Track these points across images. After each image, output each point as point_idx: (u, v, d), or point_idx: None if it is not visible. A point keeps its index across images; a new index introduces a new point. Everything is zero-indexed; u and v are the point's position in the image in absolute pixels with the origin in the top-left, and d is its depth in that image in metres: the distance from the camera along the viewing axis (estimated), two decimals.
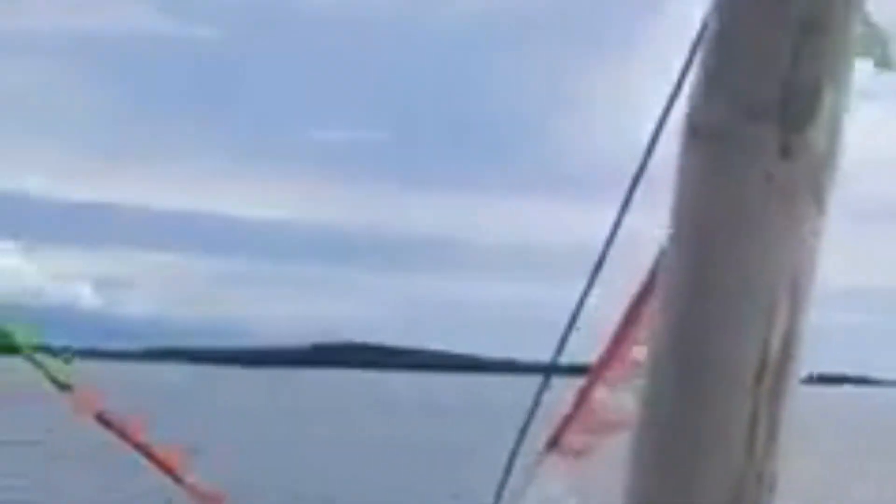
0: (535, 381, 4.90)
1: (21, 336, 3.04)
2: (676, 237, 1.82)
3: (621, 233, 4.11)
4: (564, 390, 4.75)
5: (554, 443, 4.81)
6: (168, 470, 3.25)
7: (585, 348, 4.68)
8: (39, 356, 3.24)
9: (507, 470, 4.68)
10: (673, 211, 1.84)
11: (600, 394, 4.67)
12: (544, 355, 4.69)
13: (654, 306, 1.89)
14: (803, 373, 1.81)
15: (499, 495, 4.76)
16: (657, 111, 3.79)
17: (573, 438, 4.79)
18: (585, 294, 4.24)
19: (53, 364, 3.29)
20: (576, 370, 4.93)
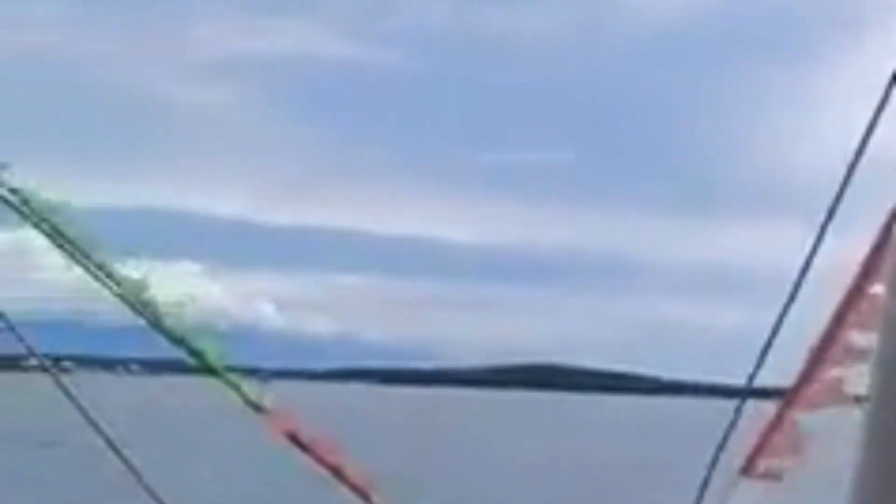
0: (724, 404, 4.80)
1: (213, 356, 3.07)
2: None
3: (819, 254, 4.02)
4: (760, 413, 4.66)
5: (749, 466, 4.71)
6: (360, 492, 3.25)
7: (782, 371, 4.58)
8: (233, 376, 3.28)
9: (701, 493, 4.59)
10: None
11: (797, 417, 4.56)
12: (735, 378, 4.59)
13: (859, 328, 1.83)
14: None
15: None
16: (857, 133, 3.71)
17: (768, 462, 4.69)
18: (782, 316, 4.14)
19: (247, 384, 3.32)
20: (772, 393, 4.83)
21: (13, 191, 3.01)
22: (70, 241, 3.03)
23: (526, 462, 51.99)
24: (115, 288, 3.06)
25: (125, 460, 3.05)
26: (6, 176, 3.06)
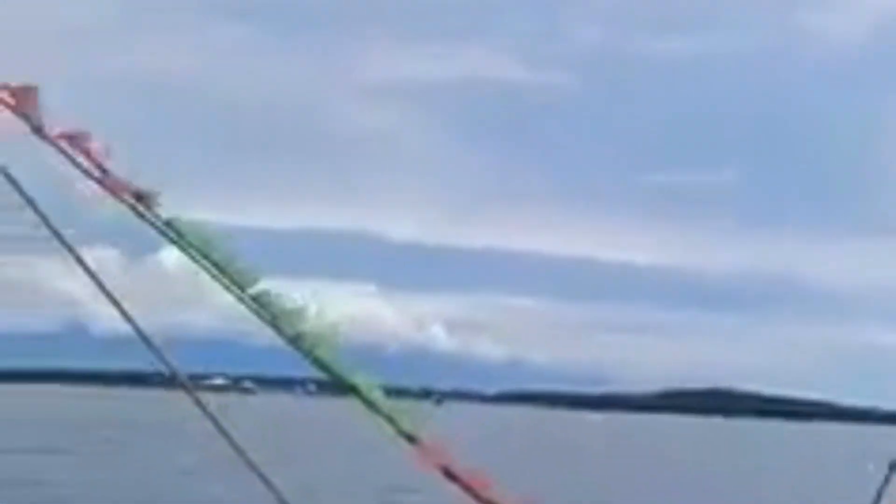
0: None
1: (365, 388, 3.02)
2: None
3: None
4: None
5: None
6: None
7: None
8: (389, 403, 3.21)
9: None
10: None
11: None
12: None
13: None
14: None
15: None
16: None
17: None
18: None
19: (401, 413, 3.24)
20: None
21: (168, 223, 3.01)
22: (223, 273, 3.02)
23: (708, 486, 51.24)
24: (267, 318, 3.03)
25: (268, 482, 3.02)
26: (159, 205, 3.06)
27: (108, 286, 3.03)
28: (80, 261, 2.92)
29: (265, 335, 3.21)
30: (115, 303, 2.90)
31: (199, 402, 3.01)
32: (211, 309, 3.16)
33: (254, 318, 3.10)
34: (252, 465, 3.00)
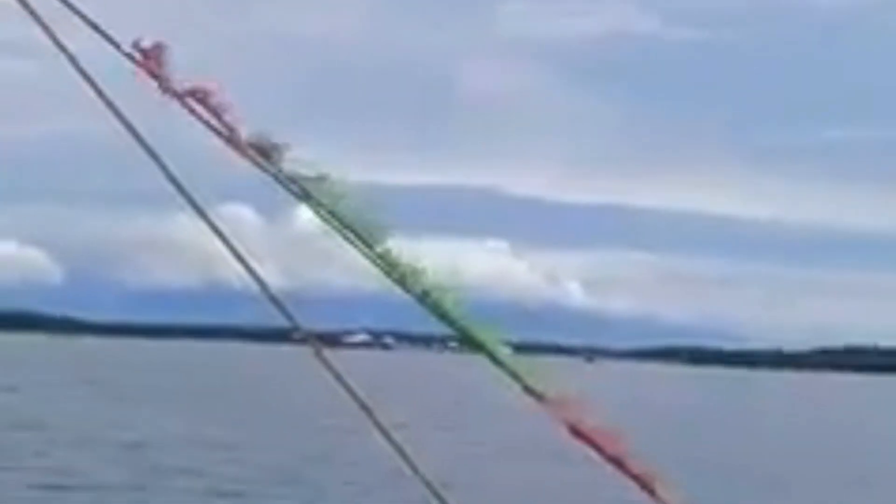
0: None
1: (492, 344, 3.01)
2: None
3: None
4: None
5: None
6: (643, 484, 3.14)
7: None
8: (518, 359, 3.20)
9: None
10: None
11: None
12: None
13: None
14: None
15: None
16: None
17: None
18: None
19: (529, 369, 3.23)
20: None
21: (292, 179, 3.02)
22: (349, 229, 3.02)
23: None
24: (394, 276, 3.04)
25: (393, 442, 3.01)
26: (286, 160, 3.06)
27: (246, 244, 3.05)
28: (205, 217, 2.94)
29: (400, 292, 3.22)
30: (240, 258, 2.92)
31: (325, 361, 3.02)
32: (351, 265, 3.16)
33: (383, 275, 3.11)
34: (378, 425, 3.00)
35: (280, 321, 3.19)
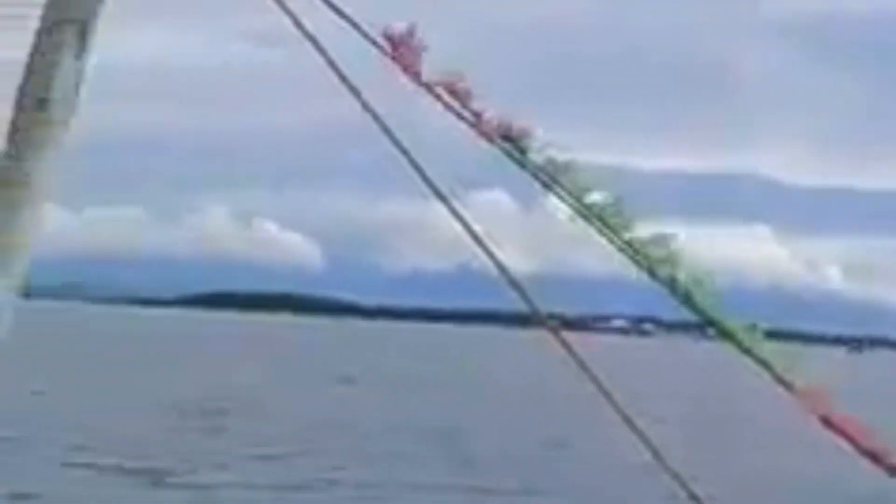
0: None
1: (742, 334, 2.97)
2: None
3: None
4: None
5: None
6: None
7: None
8: (771, 348, 3.15)
9: None
10: None
11: None
12: None
13: None
14: None
15: None
16: None
17: None
18: None
19: (781, 358, 3.17)
20: None
21: (540, 167, 3.03)
22: (597, 217, 3.02)
23: None
24: (643, 264, 3.03)
25: (640, 433, 2.99)
26: (534, 147, 3.08)
27: (502, 229, 3.07)
28: (445, 202, 2.98)
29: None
30: (480, 242, 2.94)
31: (565, 344, 3.02)
32: (609, 251, 3.17)
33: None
34: (620, 411, 2.99)
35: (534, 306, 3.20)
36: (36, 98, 2.74)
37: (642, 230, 3.12)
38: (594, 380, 2.95)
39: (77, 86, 2.80)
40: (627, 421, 2.95)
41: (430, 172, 3.03)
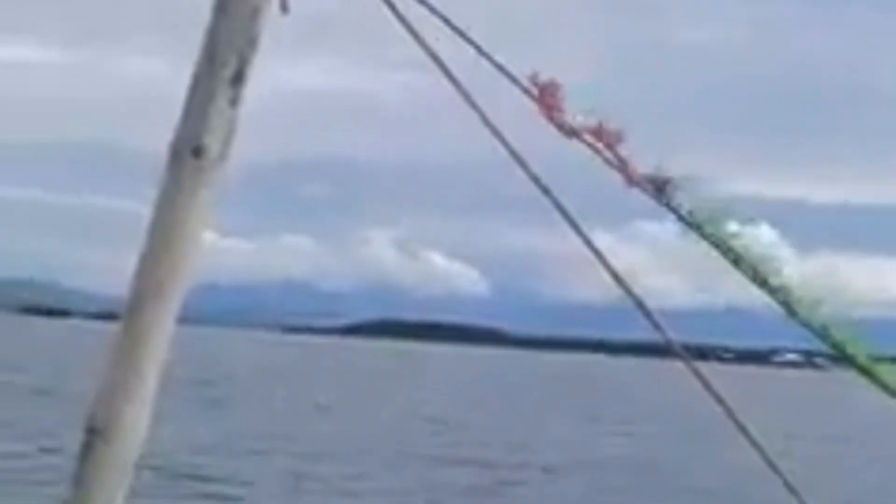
0: None
1: (854, 348, 2.95)
2: None
3: None
4: None
5: None
6: None
7: None
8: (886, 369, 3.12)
9: None
10: None
11: None
12: None
13: None
14: None
15: None
16: None
17: None
18: None
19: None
20: None
21: (690, 212, 3.03)
22: (742, 264, 3.02)
23: None
24: (790, 308, 3.01)
25: (768, 460, 2.96)
26: (682, 193, 3.07)
27: (662, 259, 3.08)
28: (579, 232, 2.99)
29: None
30: (610, 269, 2.96)
31: (699, 375, 3.02)
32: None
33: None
34: (754, 443, 2.96)
35: (691, 335, 3.19)
36: (191, 145, 2.81)
37: (783, 279, 3.08)
38: (730, 413, 2.93)
39: (232, 133, 2.86)
40: (759, 451, 2.92)
41: (585, 201, 3.07)
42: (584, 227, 3.02)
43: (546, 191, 2.99)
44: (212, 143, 2.81)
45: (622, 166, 3.00)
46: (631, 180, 3.00)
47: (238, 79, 2.85)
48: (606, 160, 3.03)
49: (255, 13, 2.87)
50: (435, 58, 2.98)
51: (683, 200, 3.05)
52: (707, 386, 2.98)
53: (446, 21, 2.96)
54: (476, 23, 3.05)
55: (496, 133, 2.99)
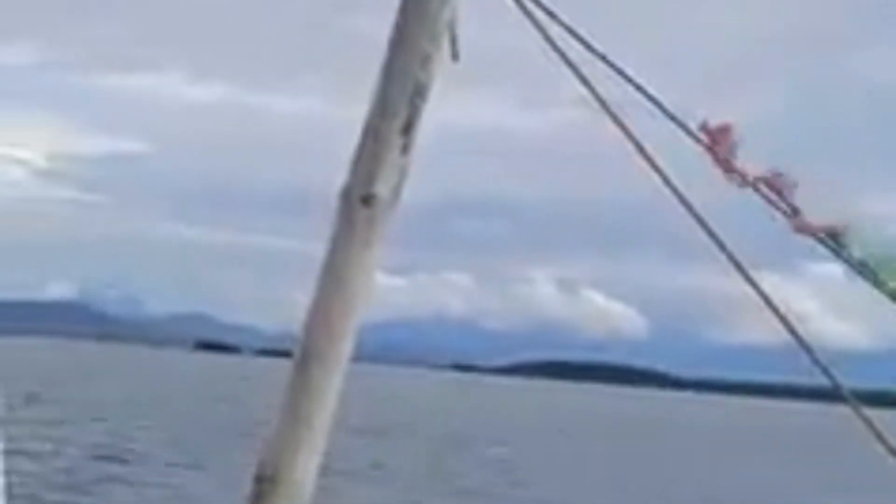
0: None
1: None
2: None
3: None
4: None
5: None
6: None
7: None
8: None
9: None
10: None
11: None
12: None
13: None
14: None
15: None
16: None
17: None
18: None
19: None
20: None
21: (862, 262, 2.98)
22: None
23: None
24: None
25: None
26: (852, 241, 3.02)
27: (838, 301, 3.03)
28: (747, 277, 2.95)
29: None
30: (781, 316, 2.91)
31: (866, 419, 2.95)
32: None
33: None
34: None
35: (854, 380, 3.15)
36: (362, 192, 2.84)
37: None
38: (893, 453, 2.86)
39: (403, 180, 2.88)
40: None
41: (755, 242, 3.03)
42: (754, 270, 2.98)
43: (713, 234, 2.96)
44: (383, 191, 2.83)
45: (794, 216, 2.94)
46: (802, 229, 2.94)
47: (409, 128, 2.87)
48: (777, 207, 2.98)
49: (425, 62, 2.89)
50: (597, 95, 2.97)
51: (857, 246, 2.99)
52: (876, 432, 2.91)
53: (619, 71, 2.96)
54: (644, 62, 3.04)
55: (662, 175, 2.97)
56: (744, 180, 2.93)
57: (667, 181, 2.96)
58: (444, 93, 3.06)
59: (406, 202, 2.93)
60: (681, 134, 3.03)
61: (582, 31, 3.00)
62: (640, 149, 2.98)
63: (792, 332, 2.93)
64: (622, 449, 59.23)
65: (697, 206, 2.96)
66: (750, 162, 2.99)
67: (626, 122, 2.98)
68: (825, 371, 2.97)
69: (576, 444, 61.53)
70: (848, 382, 3.05)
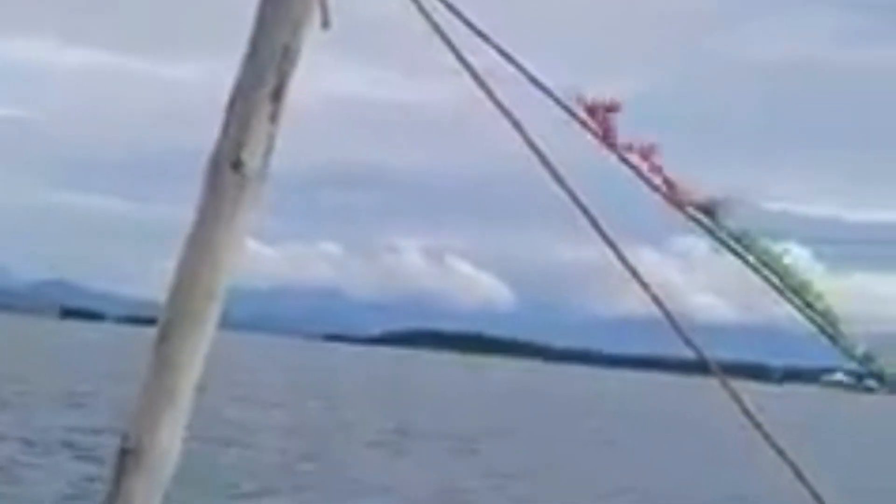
0: None
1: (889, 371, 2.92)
2: None
3: None
4: None
5: None
6: None
7: None
8: None
9: None
10: None
11: None
12: None
13: None
14: None
15: None
16: None
17: None
18: None
19: None
20: None
21: (737, 238, 2.98)
22: (786, 288, 2.98)
23: None
24: (829, 331, 2.98)
25: (804, 480, 2.91)
26: (728, 217, 3.02)
27: (701, 275, 3.03)
28: (615, 249, 2.95)
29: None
30: (645, 287, 2.91)
31: (732, 391, 2.97)
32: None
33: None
34: (791, 464, 2.91)
35: (723, 353, 3.15)
36: (230, 159, 2.79)
37: (827, 302, 3.03)
38: (766, 435, 2.88)
39: (271, 147, 2.84)
40: (798, 475, 2.85)
41: (620, 215, 3.02)
42: (622, 243, 2.98)
43: (585, 210, 2.95)
44: (251, 157, 2.79)
45: (667, 190, 2.93)
46: (676, 205, 2.93)
47: (278, 94, 2.83)
48: (650, 183, 2.97)
49: (295, 28, 2.84)
50: (468, 66, 2.95)
51: (730, 222, 2.99)
52: (742, 405, 2.93)
53: (497, 47, 2.94)
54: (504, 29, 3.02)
55: (533, 147, 2.95)
56: (618, 153, 2.91)
57: (539, 153, 2.95)
58: (322, 62, 3.01)
59: (277, 171, 2.90)
60: (560, 110, 3.01)
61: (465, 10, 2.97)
62: (514, 121, 2.96)
63: (655, 300, 2.94)
64: (483, 420, 59.53)
65: (572, 180, 2.94)
66: (629, 138, 2.98)
67: (500, 94, 2.96)
68: (689, 343, 2.99)
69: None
70: (716, 355, 3.07)
